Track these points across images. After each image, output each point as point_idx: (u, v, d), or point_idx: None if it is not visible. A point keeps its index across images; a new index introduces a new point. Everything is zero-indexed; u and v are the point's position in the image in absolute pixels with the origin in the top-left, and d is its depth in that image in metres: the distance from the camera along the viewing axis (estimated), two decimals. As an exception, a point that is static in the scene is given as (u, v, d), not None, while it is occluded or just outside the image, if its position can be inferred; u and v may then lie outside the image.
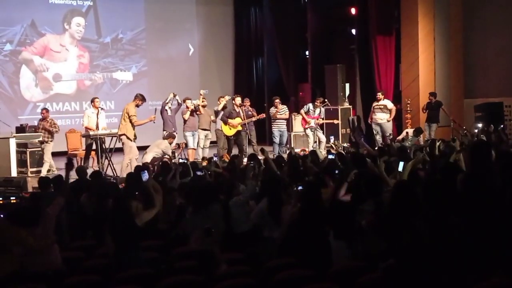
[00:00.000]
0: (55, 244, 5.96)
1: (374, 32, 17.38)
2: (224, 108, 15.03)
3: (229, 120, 14.74)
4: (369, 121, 16.21)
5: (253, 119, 15.07)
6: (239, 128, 14.78)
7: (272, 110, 15.85)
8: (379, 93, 16.04)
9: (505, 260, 4.72)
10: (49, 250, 5.82)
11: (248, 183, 7.80)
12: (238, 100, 15.07)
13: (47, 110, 14.96)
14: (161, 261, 6.04)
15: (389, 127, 15.77)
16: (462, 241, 4.60)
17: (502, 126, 13.19)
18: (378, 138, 15.66)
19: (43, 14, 18.25)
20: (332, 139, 15.32)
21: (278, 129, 15.77)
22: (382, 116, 15.77)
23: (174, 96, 14.34)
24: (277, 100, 15.77)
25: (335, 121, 16.97)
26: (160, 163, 11.33)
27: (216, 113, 15.16)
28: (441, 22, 17.08)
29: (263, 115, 15.81)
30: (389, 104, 15.92)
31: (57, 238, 6.05)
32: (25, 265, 5.60)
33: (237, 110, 14.89)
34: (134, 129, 12.93)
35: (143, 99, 13.15)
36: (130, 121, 12.80)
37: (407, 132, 15.01)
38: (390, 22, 17.43)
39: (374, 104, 15.98)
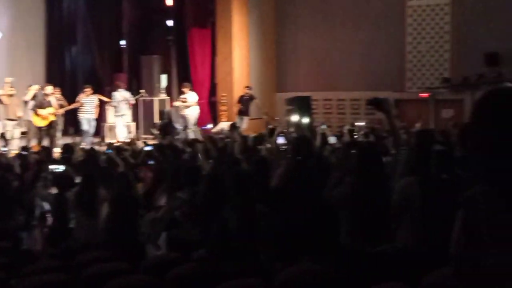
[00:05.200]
0: None
1: (190, 24, 17.51)
2: (34, 97, 14.31)
3: (40, 111, 14.07)
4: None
5: (66, 109, 14.51)
6: (52, 118, 14.16)
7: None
8: (185, 87, 16.19)
9: (311, 248, 4.99)
10: None
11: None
12: (48, 89, 14.42)
13: None
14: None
15: (192, 119, 15.93)
16: (270, 229, 4.78)
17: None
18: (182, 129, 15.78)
19: None
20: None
21: (85, 117, 15.21)
22: (186, 109, 15.94)
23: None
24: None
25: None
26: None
27: (26, 103, 14.40)
28: (255, 17, 17.62)
29: (77, 104, 15.21)
30: (191, 97, 16.07)
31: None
32: None
33: (48, 100, 14.25)
34: None
35: None
36: None
37: (223, 127, 15.28)
38: (205, 15, 17.64)
39: (180, 96, 16.19)
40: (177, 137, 12.45)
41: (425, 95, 15.78)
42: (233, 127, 13.90)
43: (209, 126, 16.02)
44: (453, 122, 11.98)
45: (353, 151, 4.71)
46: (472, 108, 2.03)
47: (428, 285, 3.62)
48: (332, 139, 9.71)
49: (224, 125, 15.25)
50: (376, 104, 4.77)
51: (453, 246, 1.99)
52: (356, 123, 12.34)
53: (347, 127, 11.63)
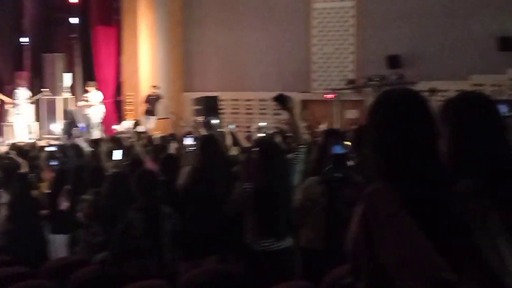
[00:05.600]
0: None
1: (95, 22, 17.15)
2: None
3: None
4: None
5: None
6: None
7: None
8: (89, 86, 15.85)
9: (216, 248, 4.99)
10: None
11: None
12: None
13: None
14: None
15: (96, 118, 15.62)
16: (175, 230, 4.75)
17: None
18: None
19: None
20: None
21: None
22: (89, 108, 15.62)
23: None
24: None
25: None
26: None
27: None
28: (162, 15, 17.45)
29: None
30: (94, 97, 15.74)
31: None
32: None
33: None
34: None
35: None
36: None
37: (127, 126, 15.02)
38: (111, 13, 17.31)
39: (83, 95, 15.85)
40: (80, 137, 12.12)
41: (330, 96, 16.10)
42: (136, 126, 13.75)
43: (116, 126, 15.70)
44: (353, 122, 12.39)
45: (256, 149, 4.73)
46: (368, 110, 2.08)
47: (329, 283, 3.69)
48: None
49: (128, 124, 14.98)
50: (280, 100, 4.82)
51: (350, 242, 2.02)
52: (260, 124, 12.42)
53: (255, 127, 11.71)
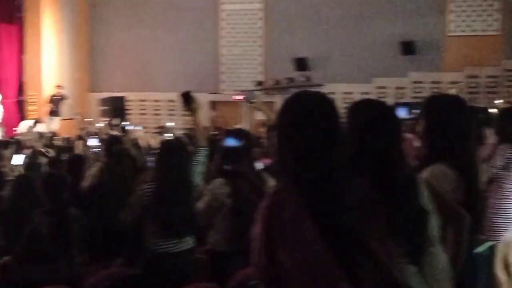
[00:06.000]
0: None
1: (-5, 19, 16.44)
2: None
3: None
4: None
5: None
6: None
7: None
8: None
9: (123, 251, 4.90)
10: None
11: None
12: None
13: None
14: None
15: None
16: (82, 233, 4.64)
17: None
18: None
19: None
20: None
21: None
22: None
23: None
24: None
25: None
26: None
27: None
28: (67, 13, 16.97)
29: None
30: None
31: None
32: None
33: None
34: None
35: None
36: None
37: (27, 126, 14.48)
38: (12, 10, 16.65)
39: None
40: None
41: (239, 97, 16.16)
42: (36, 125, 13.30)
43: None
44: (261, 122, 12.49)
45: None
46: (277, 112, 2.10)
47: (236, 284, 3.69)
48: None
49: (27, 124, 14.39)
50: (186, 98, 4.78)
51: (253, 243, 2.01)
52: (167, 124, 12.33)
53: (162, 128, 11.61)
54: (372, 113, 2.49)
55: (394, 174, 2.37)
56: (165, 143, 4.95)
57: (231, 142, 4.33)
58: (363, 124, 2.45)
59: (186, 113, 4.93)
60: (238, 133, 3.84)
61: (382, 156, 2.37)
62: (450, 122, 3.08)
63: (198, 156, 4.71)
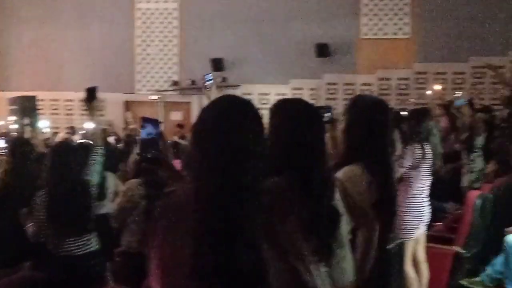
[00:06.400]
0: None
1: None
2: None
3: None
4: None
5: None
6: None
7: None
8: None
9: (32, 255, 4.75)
10: None
11: None
12: None
13: None
14: None
15: None
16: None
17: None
18: None
19: None
20: None
21: None
22: None
23: None
24: None
25: None
26: None
27: None
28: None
29: None
30: None
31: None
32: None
33: None
34: None
35: None
36: None
37: None
38: None
39: None
40: None
41: (154, 97, 15.99)
42: None
43: None
44: (177, 123, 12.44)
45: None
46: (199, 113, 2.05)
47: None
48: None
49: None
50: (90, 93, 4.70)
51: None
52: (85, 125, 12.01)
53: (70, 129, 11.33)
54: (294, 112, 2.49)
55: (313, 174, 2.36)
56: (54, 146, 4.88)
57: (148, 130, 4.27)
58: (285, 123, 2.44)
59: (85, 111, 4.87)
60: (153, 120, 3.76)
61: (302, 155, 2.37)
62: (368, 122, 3.12)
63: (95, 155, 4.63)
